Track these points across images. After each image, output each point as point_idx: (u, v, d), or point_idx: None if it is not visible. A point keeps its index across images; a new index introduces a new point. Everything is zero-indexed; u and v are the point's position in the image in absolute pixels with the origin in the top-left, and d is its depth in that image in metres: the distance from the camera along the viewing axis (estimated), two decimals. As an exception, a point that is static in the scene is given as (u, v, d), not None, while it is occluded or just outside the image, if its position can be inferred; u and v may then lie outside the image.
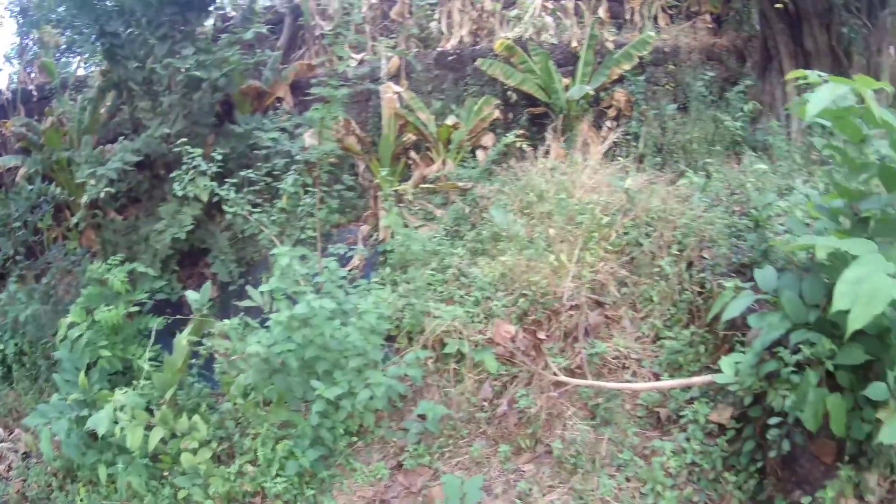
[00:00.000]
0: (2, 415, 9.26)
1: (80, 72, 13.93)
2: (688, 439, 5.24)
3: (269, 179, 8.34)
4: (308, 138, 9.22)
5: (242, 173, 8.18)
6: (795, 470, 4.73)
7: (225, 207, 7.67)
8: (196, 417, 6.58)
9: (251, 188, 8.09)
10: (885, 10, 10.88)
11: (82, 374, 7.47)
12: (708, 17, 11.71)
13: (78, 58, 14.27)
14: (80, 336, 7.79)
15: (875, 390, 4.24)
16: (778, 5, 10.38)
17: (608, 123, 9.56)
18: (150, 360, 7.58)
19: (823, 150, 4.95)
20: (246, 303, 6.82)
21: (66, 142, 11.23)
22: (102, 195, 8.97)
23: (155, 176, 9.91)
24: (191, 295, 7.36)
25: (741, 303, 5.15)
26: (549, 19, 11.01)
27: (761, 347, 4.89)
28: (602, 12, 11.31)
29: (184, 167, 7.71)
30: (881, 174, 4.58)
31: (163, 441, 6.41)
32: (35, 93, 13.76)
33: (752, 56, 10.71)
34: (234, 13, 12.77)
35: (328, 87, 8.26)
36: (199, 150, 7.78)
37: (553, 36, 10.84)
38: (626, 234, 6.60)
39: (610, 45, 10.22)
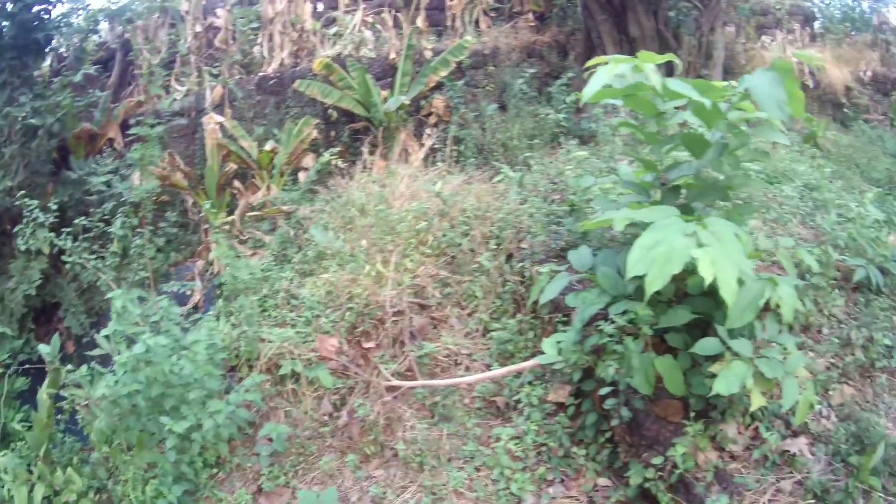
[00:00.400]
0: None
1: None
2: (528, 422, 5.34)
3: (102, 224, 8.11)
4: (136, 178, 9.10)
5: (77, 221, 7.87)
6: (643, 433, 4.79)
7: (64, 258, 7.43)
8: (70, 471, 6.35)
9: (87, 235, 7.87)
10: None
11: None
12: (531, 15, 11.92)
13: None
14: None
15: (704, 346, 4.40)
16: None
17: (428, 131, 9.62)
18: (22, 420, 7.59)
19: (619, 129, 5.09)
20: (96, 351, 6.73)
21: None
22: None
23: (2, 232, 9.65)
24: (43, 349, 7.09)
25: (557, 285, 5.33)
26: (368, 34, 11.08)
27: (581, 324, 5.03)
28: (421, 21, 11.35)
29: (24, 220, 7.62)
30: (685, 142, 4.79)
31: (47, 499, 6.21)
32: None
33: (574, 49, 10.93)
34: (68, 53, 12.49)
35: (145, 125, 8.15)
36: (36, 202, 7.61)
37: (372, 50, 10.88)
38: (443, 236, 6.70)
39: (429, 54, 10.30)
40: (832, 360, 5.40)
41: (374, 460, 5.75)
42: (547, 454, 5.25)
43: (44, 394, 6.92)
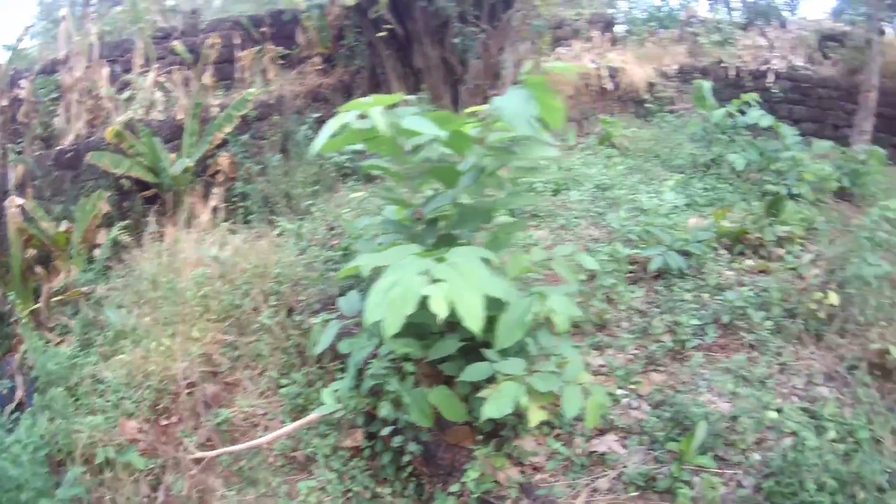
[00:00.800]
0: None
1: None
2: (328, 470, 5.38)
3: None
4: None
5: None
6: (438, 463, 4.93)
7: None
8: None
9: None
10: (510, 10, 11.77)
11: None
12: (318, 59, 12.15)
13: None
14: None
15: (472, 372, 4.53)
16: (382, 34, 10.96)
17: (214, 190, 9.67)
18: None
19: (368, 170, 5.28)
20: None
21: None
22: None
23: None
24: None
25: (329, 333, 5.51)
26: (159, 95, 11.03)
27: (355, 369, 5.20)
28: (208, 77, 11.25)
29: None
30: (436, 175, 4.99)
31: None
32: None
33: (360, 88, 11.22)
34: None
35: None
36: None
37: (162, 112, 10.84)
38: (225, 299, 6.85)
39: (215, 110, 10.35)
40: (635, 352, 5.64)
41: None
42: (355, 498, 5.28)
43: None
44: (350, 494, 5.31)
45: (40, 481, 5.97)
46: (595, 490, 4.47)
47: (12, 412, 6.78)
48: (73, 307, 8.50)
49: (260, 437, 5.97)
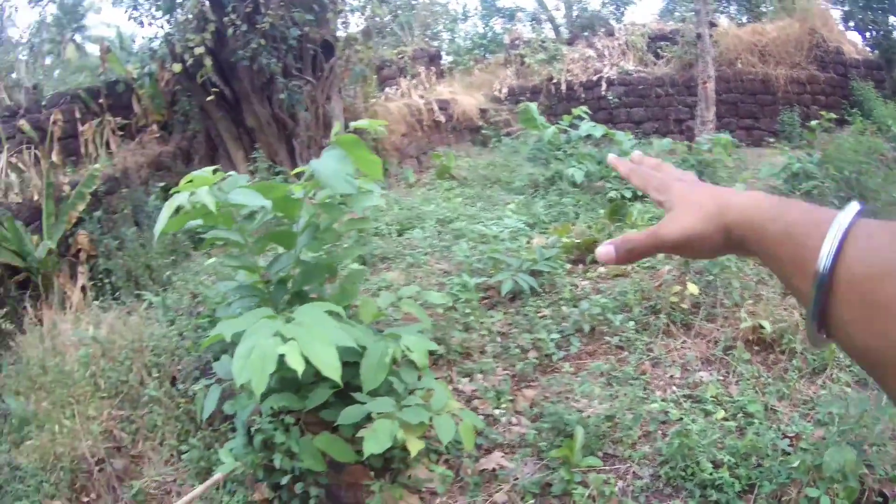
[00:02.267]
0: None
1: None
2: None
3: None
4: None
5: None
6: (343, 502, 5.15)
7: None
8: None
9: None
10: (332, 58, 12.23)
11: None
12: (155, 126, 12.36)
13: None
14: None
15: (347, 415, 4.74)
16: (211, 97, 11.34)
17: (80, 269, 9.81)
18: None
19: (211, 241, 5.28)
20: None
21: None
22: None
23: None
24: None
25: (212, 398, 5.66)
26: (13, 177, 11.12)
27: (242, 427, 5.39)
28: (55, 155, 11.51)
29: None
30: (275, 240, 5.19)
31: None
32: None
33: (198, 152, 11.51)
34: None
35: None
36: None
37: (18, 194, 10.93)
38: (111, 377, 7.07)
39: (66, 188, 10.51)
40: (504, 372, 5.79)
41: None
42: None
43: None
44: None
45: None
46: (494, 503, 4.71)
47: None
48: None
49: (175, 503, 6.05)
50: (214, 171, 4.49)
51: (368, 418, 4.70)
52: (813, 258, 0.77)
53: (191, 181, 4.40)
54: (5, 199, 10.90)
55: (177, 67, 11.58)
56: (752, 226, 0.91)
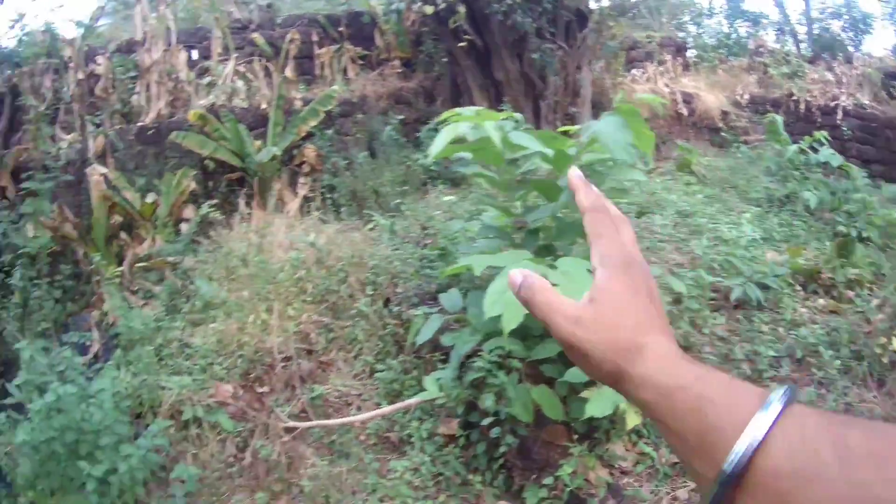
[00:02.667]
0: None
1: None
2: (422, 454, 5.49)
3: (2, 276, 8.24)
4: (31, 230, 9.19)
5: None
6: (532, 458, 5.09)
7: None
8: None
9: None
10: (585, 29, 11.93)
11: None
12: (397, 62, 12.34)
13: None
14: None
15: (574, 374, 4.69)
16: (462, 44, 11.22)
17: (301, 180, 9.94)
18: None
19: (473, 177, 5.47)
20: (9, 399, 6.60)
21: None
22: None
23: None
24: None
25: (431, 326, 5.68)
26: (240, 84, 11.30)
27: (457, 361, 5.35)
28: (290, 71, 11.62)
29: None
30: (538, 188, 5.18)
31: None
32: None
33: (441, 95, 11.42)
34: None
35: (36, 179, 8.39)
36: None
37: (244, 100, 11.12)
38: (321, 284, 7.05)
39: (298, 103, 10.60)
40: None
41: (283, 498, 5.83)
42: (445, 482, 5.40)
43: None
44: (441, 478, 5.44)
45: (123, 428, 6.18)
46: (675, 499, 4.68)
47: (89, 363, 7.03)
48: (157, 274, 8.77)
49: (354, 415, 6.22)
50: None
51: (592, 382, 4.59)
52: (723, 447, 0.69)
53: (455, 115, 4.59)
54: (229, 102, 11.08)
55: (428, 10, 11.50)
56: (657, 388, 0.79)
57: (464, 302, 5.75)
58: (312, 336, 6.84)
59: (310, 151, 10.13)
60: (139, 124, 11.22)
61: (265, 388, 6.60)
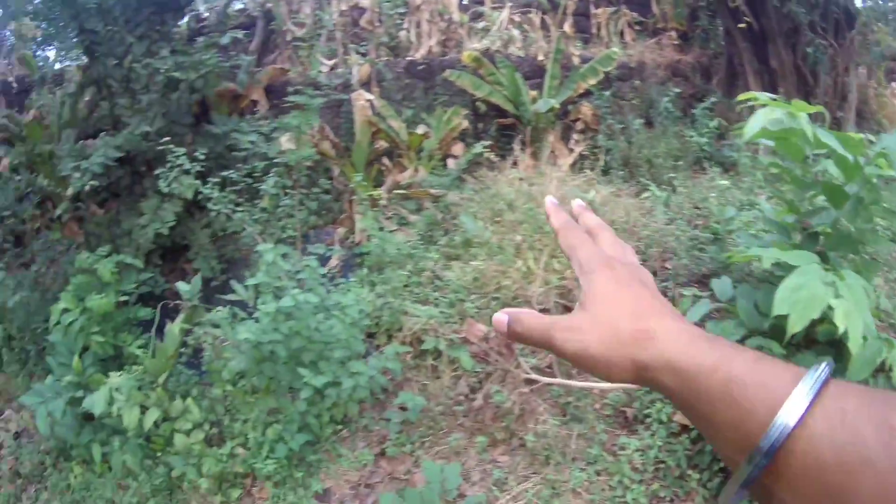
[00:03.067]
0: None
1: (58, 65, 14.01)
2: (653, 437, 5.39)
3: (249, 180, 8.39)
4: (285, 142, 9.35)
5: (224, 173, 8.21)
6: None
7: (209, 205, 7.79)
8: (189, 401, 6.71)
9: (233, 188, 8.16)
10: (853, 30, 11.33)
11: (76, 357, 7.44)
12: (674, 33, 11.98)
13: (55, 51, 14.36)
14: (73, 322, 7.82)
15: None
16: (741, 25, 10.77)
17: (575, 136, 9.76)
18: (139, 347, 7.71)
19: (770, 168, 5.22)
20: (231, 296, 6.93)
21: (48, 135, 11.29)
22: (87, 188, 8.99)
23: (135, 172, 9.98)
24: (181, 286, 7.32)
25: (699, 310, 5.40)
26: (515, 32, 11.21)
27: None
28: (568, 27, 11.48)
29: (168, 165, 7.95)
30: (826, 192, 4.84)
31: (155, 424, 6.51)
32: (15, 85, 13.93)
33: (717, 73, 10.99)
34: (207, 14, 12.82)
35: (305, 95, 8.49)
36: (182, 150, 7.94)
37: (520, 49, 11.00)
38: None
39: (576, 60, 10.41)
40: None
41: (501, 446, 5.90)
42: (664, 472, 5.31)
43: (176, 328, 7.27)
44: (661, 467, 5.34)
45: (358, 345, 6.32)
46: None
47: (329, 277, 7.09)
48: (415, 203, 8.83)
49: (596, 381, 6.00)
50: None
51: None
52: (756, 432, 0.64)
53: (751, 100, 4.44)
54: (504, 49, 10.96)
55: None
56: (677, 372, 0.74)
57: (733, 292, 5.45)
58: (574, 292, 6.65)
59: (586, 109, 9.90)
60: (408, 58, 11.32)
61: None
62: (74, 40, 10.40)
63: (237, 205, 7.97)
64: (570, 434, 5.68)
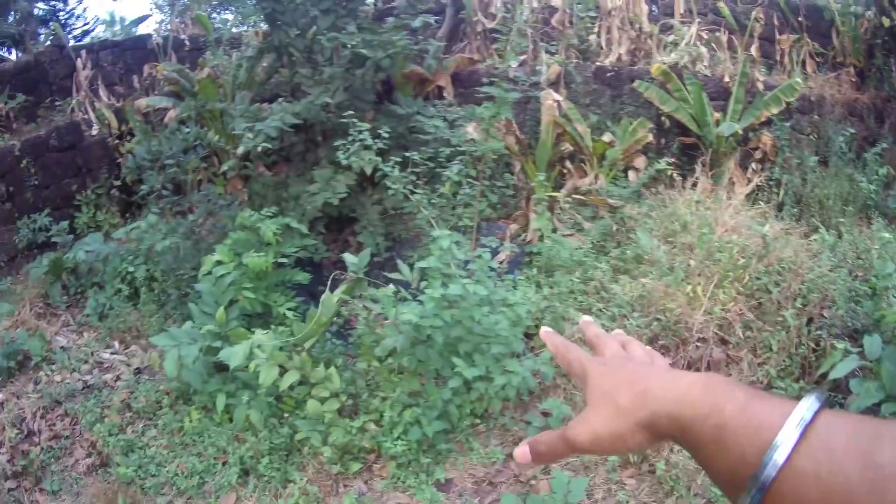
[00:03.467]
0: (120, 330, 9.73)
1: (234, 29, 14.73)
2: None
3: (430, 164, 8.51)
4: (471, 131, 9.53)
5: (407, 154, 8.41)
6: None
7: (387, 183, 7.96)
8: (332, 369, 6.83)
9: (413, 170, 8.24)
10: None
11: (221, 309, 7.71)
12: (852, 69, 11.72)
13: (232, 15, 15.12)
14: (226, 275, 8.03)
15: None
16: None
17: (753, 165, 9.75)
18: (289, 309, 8.03)
19: None
20: (394, 275, 7.05)
21: (220, 94, 11.94)
22: (260, 149, 9.26)
23: (310, 140, 10.40)
24: (349, 258, 7.42)
25: (846, 366, 5.58)
26: (703, 50, 11.20)
27: (856, 412, 5.11)
28: (754, 50, 11.40)
29: (349, 138, 8.03)
30: None
31: (290, 386, 6.68)
32: (187, 43, 14.85)
33: (889, 117, 10.74)
34: (395, -3, 13.13)
35: (500, 87, 8.69)
36: (366, 125, 8.04)
37: (707, 67, 11.01)
38: (758, 279, 6.92)
39: (760, 86, 10.35)
40: None
41: (630, 469, 5.97)
42: None
43: (335, 297, 7.21)
44: None
45: (516, 344, 6.50)
46: None
47: (496, 272, 7.22)
48: (591, 211, 8.98)
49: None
50: None
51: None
52: (746, 472, 0.70)
53: None
54: (692, 65, 10.99)
55: (885, 22, 10.96)
56: (674, 422, 0.82)
57: (881, 353, 5.55)
58: (734, 327, 6.76)
59: (767, 139, 9.88)
60: (597, 63, 11.46)
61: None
62: (254, 7, 10.84)
63: (415, 186, 8.08)
64: (698, 469, 5.40)
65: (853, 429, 0.66)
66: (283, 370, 6.64)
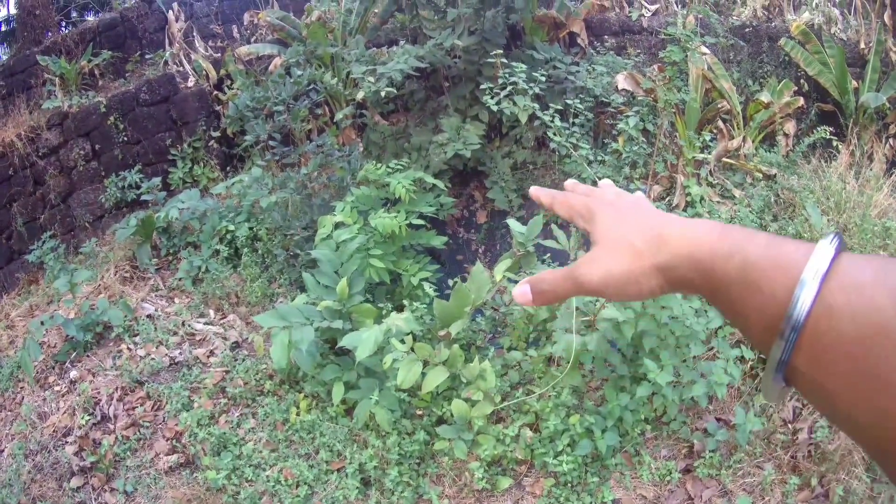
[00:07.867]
0: (217, 296, 8.99)
1: None
2: None
3: (589, 115, 8.05)
4: (622, 81, 9.19)
5: (569, 102, 7.87)
6: None
7: (550, 135, 7.42)
8: (486, 364, 5.87)
9: (574, 121, 7.68)
10: None
11: (343, 281, 6.68)
12: None
13: None
14: (351, 239, 7.22)
15: None
16: None
17: (891, 141, 9.51)
18: (424, 280, 7.42)
19: None
20: (549, 243, 6.32)
21: (331, 39, 11.58)
22: (383, 94, 8.69)
23: (431, 87, 10.22)
24: (515, 225, 6.59)
25: None
26: (836, 11, 10.99)
27: None
28: (887, 18, 10.83)
29: (500, 82, 7.50)
30: None
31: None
32: None
33: None
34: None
35: (623, 38, 8.66)
36: (522, 66, 7.45)
37: (841, 31, 10.84)
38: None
39: (893, 56, 10.13)
40: None
41: (805, 491, 5.48)
42: None
43: (499, 274, 6.47)
44: None
45: (723, 344, 5.89)
46: None
47: None
48: (740, 177, 8.64)
49: None
50: None
51: None
52: (777, 311, 0.68)
53: None
54: (827, 27, 10.77)
55: None
56: (695, 265, 0.81)
57: None
58: None
59: None
60: (733, 17, 11.27)
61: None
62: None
63: (577, 139, 7.52)
64: (875, 498, 5.31)
65: (880, 263, 0.64)
66: (425, 363, 5.80)
